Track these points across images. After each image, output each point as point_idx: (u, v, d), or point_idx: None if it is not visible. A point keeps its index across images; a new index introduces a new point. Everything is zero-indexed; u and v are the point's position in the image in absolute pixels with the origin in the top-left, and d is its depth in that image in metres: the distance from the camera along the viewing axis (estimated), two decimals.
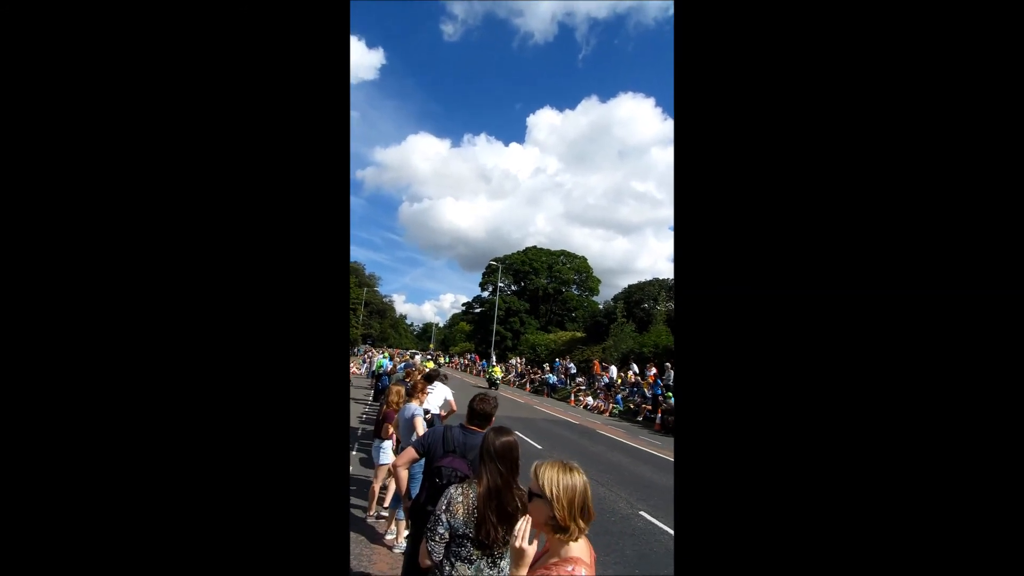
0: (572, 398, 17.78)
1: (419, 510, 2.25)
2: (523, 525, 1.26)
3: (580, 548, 1.25)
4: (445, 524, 1.70)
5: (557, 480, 1.26)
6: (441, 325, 68.49)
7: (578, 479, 1.27)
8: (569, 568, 1.19)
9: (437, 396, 4.89)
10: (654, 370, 15.53)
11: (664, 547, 4.37)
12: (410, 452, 2.38)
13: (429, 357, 23.94)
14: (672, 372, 14.23)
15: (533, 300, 41.54)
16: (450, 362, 37.35)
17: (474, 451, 2.20)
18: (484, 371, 28.93)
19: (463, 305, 50.21)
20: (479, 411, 2.32)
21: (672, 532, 4.75)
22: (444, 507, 1.73)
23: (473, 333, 46.24)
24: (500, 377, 23.47)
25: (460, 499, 1.74)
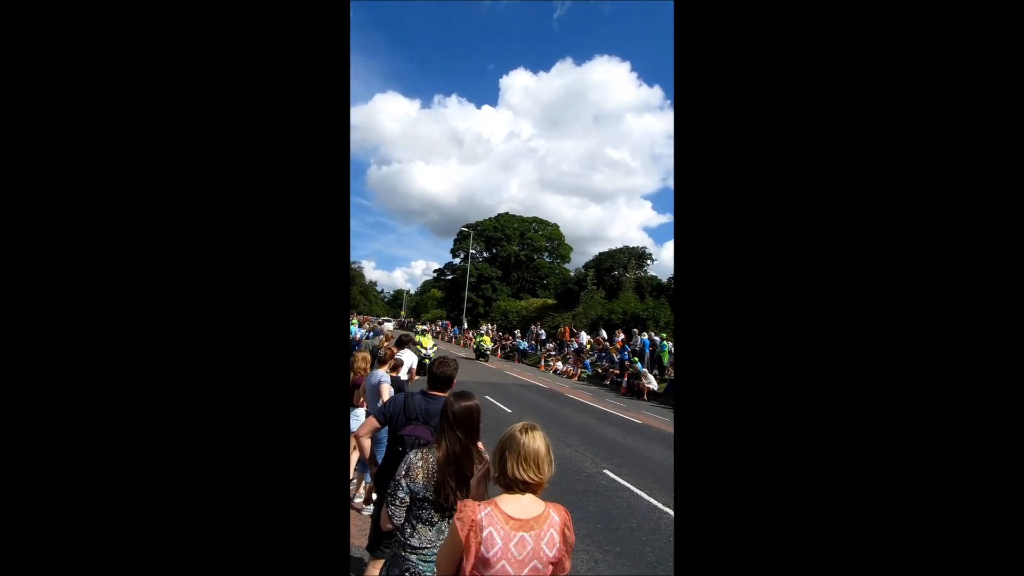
0: (542, 363, 18.11)
1: (383, 478, 2.26)
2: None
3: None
4: (405, 488, 1.71)
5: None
6: (412, 292, 68.03)
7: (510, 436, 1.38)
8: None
9: (404, 362, 4.88)
10: (622, 336, 15.91)
11: (625, 503, 4.58)
12: (371, 421, 2.35)
13: (425, 330, 20.44)
14: (639, 338, 14.62)
15: (505, 267, 41.56)
16: (424, 331, 37.32)
17: (437, 417, 2.20)
18: (456, 337, 29.06)
19: (434, 272, 49.86)
20: (440, 375, 2.30)
21: (633, 488, 4.97)
22: (404, 472, 1.74)
23: (445, 300, 46.16)
24: (490, 348, 19.93)
25: (420, 464, 1.74)
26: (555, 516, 1.35)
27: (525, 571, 1.29)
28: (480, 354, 19.16)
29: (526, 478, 1.34)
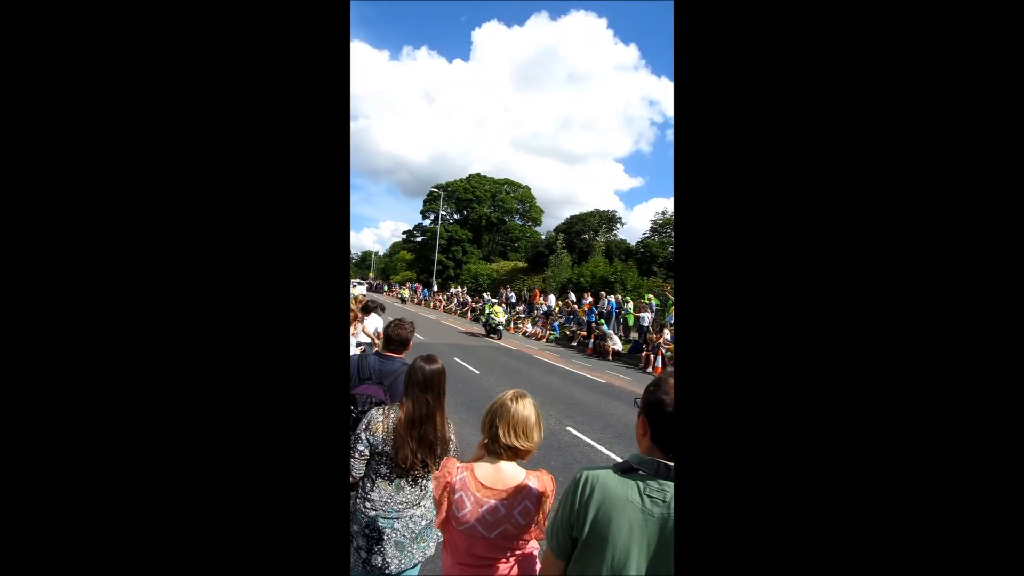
0: (512, 326, 18.34)
1: None
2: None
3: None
4: (365, 442, 1.75)
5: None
6: (381, 254, 66.72)
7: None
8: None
9: (370, 327, 4.85)
10: (589, 299, 16.20)
11: (586, 457, 4.81)
12: None
13: (494, 302, 17.87)
14: (606, 300, 14.93)
15: (476, 229, 41.13)
16: (390, 291, 36.94)
17: (391, 377, 2.24)
18: (426, 300, 28.87)
19: (403, 233, 48.88)
20: (396, 337, 2.31)
21: (593, 444, 5.22)
22: (365, 426, 1.77)
23: (415, 262, 45.55)
24: (503, 321, 15.45)
25: (380, 419, 1.78)
26: (533, 487, 1.37)
27: (495, 532, 1.34)
28: (491, 330, 14.57)
29: (517, 445, 1.38)
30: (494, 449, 1.39)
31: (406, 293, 31.35)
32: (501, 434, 1.38)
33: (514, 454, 1.40)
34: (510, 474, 1.38)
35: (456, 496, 1.36)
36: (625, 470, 1.04)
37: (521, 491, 1.36)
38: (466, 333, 15.86)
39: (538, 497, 1.37)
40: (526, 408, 1.41)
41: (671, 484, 0.98)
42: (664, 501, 0.98)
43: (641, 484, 1.00)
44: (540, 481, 1.39)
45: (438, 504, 1.39)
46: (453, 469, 1.40)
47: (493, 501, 1.34)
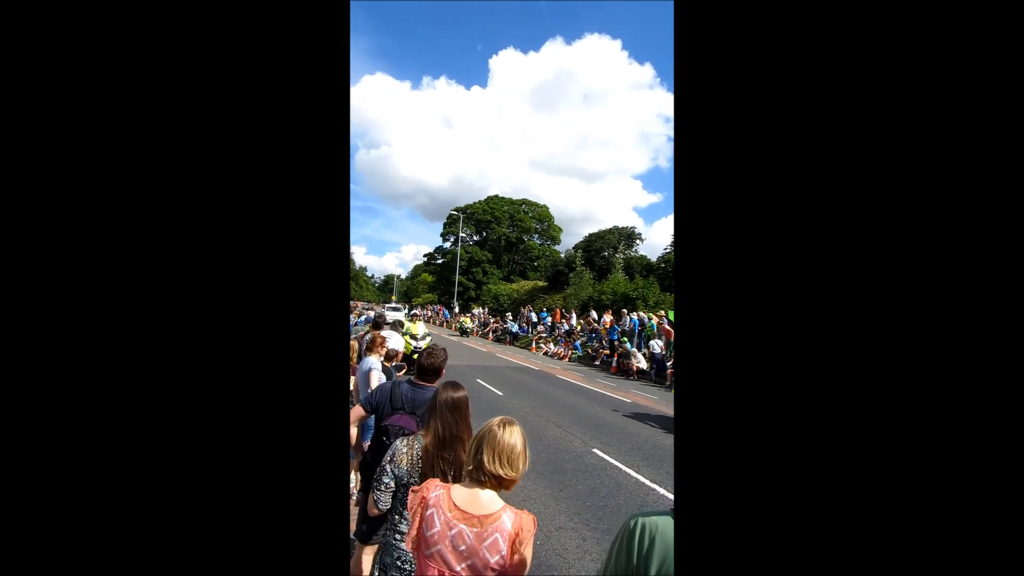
0: (533, 345, 18.24)
1: (367, 466, 2.28)
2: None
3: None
4: (390, 474, 1.74)
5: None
6: (403, 277, 67.67)
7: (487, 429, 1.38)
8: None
9: (391, 345, 4.88)
10: (609, 317, 16.03)
11: (614, 480, 4.69)
12: (357, 410, 2.35)
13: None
14: (629, 317, 14.75)
15: (495, 250, 41.42)
16: (413, 316, 37.25)
17: (423, 407, 2.21)
18: (448, 321, 29.05)
19: (425, 256, 49.56)
20: (428, 366, 2.31)
21: (621, 466, 5.09)
22: (389, 458, 1.77)
23: (436, 284, 46.00)
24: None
25: (405, 451, 1.77)
26: (506, 522, 1.29)
27: (461, 566, 1.27)
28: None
29: (500, 473, 1.33)
30: (477, 476, 1.35)
31: (468, 322, 25.25)
32: (486, 460, 1.33)
33: (498, 483, 1.35)
34: (486, 501, 1.33)
35: (428, 512, 1.33)
36: None
37: (492, 521, 1.29)
38: (487, 351, 15.84)
39: (510, 534, 1.28)
40: (512, 436, 1.36)
41: None
42: None
43: None
44: (517, 519, 1.31)
45: (411, 518, 1.36)
46: (432, 486, 1.38)
47: (462, 526, 1.29)
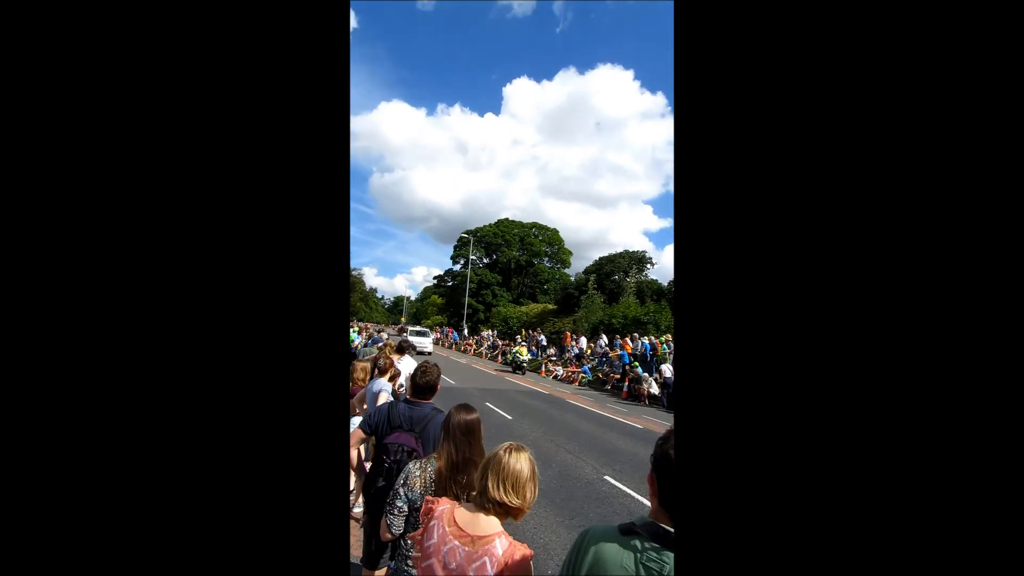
0: (543, 369, 18.09)
1: (370, 487, 2.27)
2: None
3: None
4: (403, 497, 1.72)
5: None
6: (413, 298, 68.01)
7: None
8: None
9: (404, 368, 4.87)
10: (619, 341, 15.89)
11: (627, 509, 4.57)
12: (357, 432, 2.37)
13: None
14: (640, 342, 14.61)
15: (505, 272, 41.59)
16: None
17: (421, 424, 2.23)
18: (457, 343, 28.92)
19: (435, 278, 49.95)
20: (422, 384, 2.32)
21: (633, 494, 4.96)
22: (402, 482, 1.75)
23: (445, 306, 46.14)
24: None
25: (418, 473, 1.75)
26: (497, 548, 1.25)
27: None
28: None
29: (505, 500, 1.28)
30: (482, 503, 1.32)
31: (524, 353, 17.92)
32: (490, 486, 1.29)
33: (504, 512, 1.31)
34: (484, 524, 1.30)
35: (431, 523, 1.34)
36: (627, 531, 0.96)
37: (484, 543, 1.26)
38: (496, 374, 15.73)
39: (499, 560, 1.24)
40: (519, 462, 1.32)
41: (671, 555, 0.89)
42: (660, 574, 0.89)
43: (640, 551, 0.92)
44: (510, 548, 1.26)
45: (420, 523, 1.40)
46: (444, 500, 1.40)
47: (455, 543, 1.28)
